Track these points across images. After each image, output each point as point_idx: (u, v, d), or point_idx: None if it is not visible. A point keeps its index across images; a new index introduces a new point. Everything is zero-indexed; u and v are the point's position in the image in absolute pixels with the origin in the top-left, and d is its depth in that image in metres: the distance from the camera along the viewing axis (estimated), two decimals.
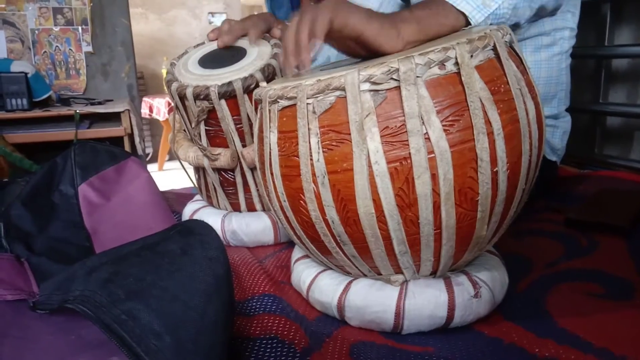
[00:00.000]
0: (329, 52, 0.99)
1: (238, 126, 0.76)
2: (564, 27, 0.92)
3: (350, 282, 0.57)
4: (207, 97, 0.73)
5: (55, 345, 0.46)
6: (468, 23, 0.58)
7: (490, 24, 0.59)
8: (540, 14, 0.66)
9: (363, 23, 0.53)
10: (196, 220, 0.50)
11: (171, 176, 3.45)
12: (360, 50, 0.57)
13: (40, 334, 0.47)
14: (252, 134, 0.76)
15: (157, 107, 3.48)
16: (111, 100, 2.51)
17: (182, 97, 0.75)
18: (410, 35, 0.54)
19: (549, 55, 0.92)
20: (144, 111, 3.55)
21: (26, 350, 0.45)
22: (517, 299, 0.60)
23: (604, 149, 1.40)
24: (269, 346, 0.52)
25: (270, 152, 0.52)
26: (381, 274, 0.54)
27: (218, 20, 4.35)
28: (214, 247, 0.45)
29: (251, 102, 0.73)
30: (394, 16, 0.55)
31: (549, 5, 0.65)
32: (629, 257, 0.70)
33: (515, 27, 0.64)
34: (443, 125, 0.45)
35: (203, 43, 0.87)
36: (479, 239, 0.51)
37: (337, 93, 0.46)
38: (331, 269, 0.60)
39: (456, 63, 0.46)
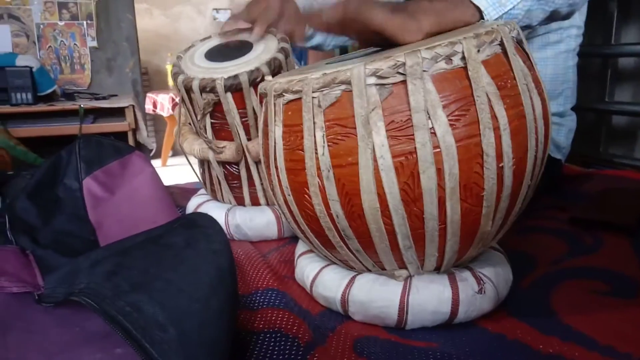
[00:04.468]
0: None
1: (243, 119, 0.76)
2: (571, 26, 0.91)
3: (354, 277, 0.56)
4: (213, 90, 0.73)
5: (60, 337, 0.46)
6: (481, 19, 0.58)
7: None
8: (554, 17, 0.66)
9: (385, 20, 0.54)
10: (200, 213, 0.50)
11: (175, 172, 3.45)
12: (381, 40, 0.57)
13: (45, 326, 0.47)
14: (257, 128, 0.76)
15: (161, 102, 3.48)
16: (115, 96, 2.51)
17: (188, 90, 0.75)
18: (430, 26, 0.54)
19: (555, 52, 0.92)
20: (148, 107, 3.55)
21: (31, 342, 0.45)
22: (522, 296, 0.60)
23: (610, 147, 1.40)
24: (272, 340, 0.52)
25: (275, 146, 0.52)
26: (385, 269, 0.54)
27: (223, 17, 4.34)
28: (217, 240, 0.45)
29: (257, 95, 0.73)
30: (414, 7, 0.56)
31: (563, 9, 0.65)
32: (634, 255, 0.70)
33: (526, 28, 0.65)
34: (449, 120, 0.45)
35: (209, 37, 0.87)
36: (483, 234, 0.51)
37: (343, 87, 0.46)
38: (335, 263, 0.60)
39: (463, 57, 0.45)
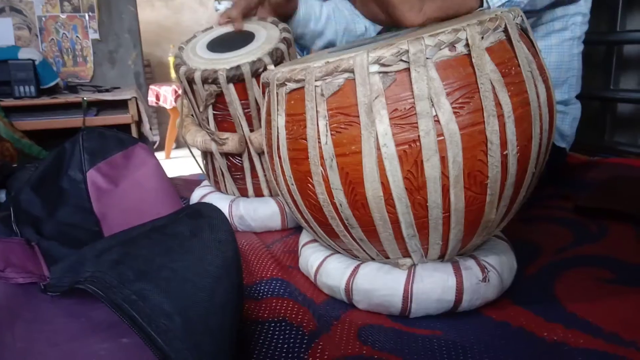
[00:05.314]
0: (337, 27, 0.98)
1: (246, 110, 0.75)
2: (577, 13, 0.90)
3: (358, 266, 0.57)
4: (215, 81, 0.72)
5: (66, 327, 0.46)
6: (481, 6, 0.58)
7: None
8: (559, 2, 0.66)
9: None
10: (205, 203, 0.51)
11: (178, 164, 3.46)
12: (381, 14, 0.56)
13: (51, 316, 0.47)
14: (259, 119, 0.76)
15: (164, 95, 3.48)
16: (118, 88, 2.51)
17: (191, 81, 0.75)
18: (432, 11, 0.54)
19: (559, 40, 0.91)
20: (151, 99, 3.54)
21: (38, 331, 0.45)
22: (526, 284, 0.60)
23: (614, 136, 1.39)
24: (277, 329, 0.52)
25: (278, 136, 0.52)
26: (389, 258, 0.54)
27: (224, 7, 4.31)
28: (222, 230, 0.45)
29: (259, 86, 0.73)
30: None
31: None
32: (639, 243, 0.70)
33: (531, 13, 0.64)
34: (453, 108, 0.44)
35: (211, 27, 0.87)
36: (487, 222, 0.51)
37: (346, 75, 0.46)
38: (339, 252, 0.60)
39: (467, 44, 0.45)
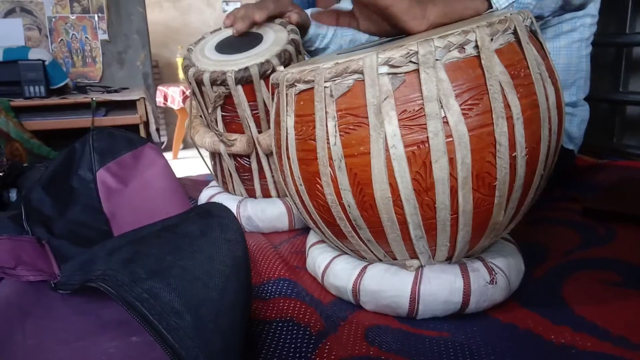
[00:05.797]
0: (341, 41, 0.99)
1: (254, 112, 0.76)
2: (585, 14, 0.90)
3: (365, 267, 0.57)
4: (223, 83, 0.73)
5: (76, 325, 0.47)
6: (490, 8, 0.58)
7: None
8: (566, 8, 0.66)
9: (393, 1, 0.54)
10: (215, 203, 0.51)
11: (186, 164, 3.47)
12: (384, 26, 0.57)
13: (61, 314, 0.48)
14: (267, 120, 0.76)
15: (172, 95, 3.50)
16: (127, 89, 2.52)
17: (199, 83, 0.76)
18: (435, 17, 0.54)
19: (568, 42, 0.91)
20: (159, 100, 3.57)
21: (48, 329, 0.46)
22: (533, 287, 0.60)
23: (623, 138, 1.38)
24: (285, 329, 0.52)
25: (287, 136, 0.53)
26: (396, 259, 0.55)
27: (232, 9, 4.33)
28: (232, 230, 0.45)
29: (267, 87, 0.73)
30: None
31: (575, 0, 0.64)
32: None
33: (538, 18, 0.64)
34: (462, 109, 0.45)
35: (220, 29, 0.87)
36: (495, 224, 0.51)
37: (355, 76, 0.46)
38: (346, 253, 0.60)
39: (476, 46, 0.45)
